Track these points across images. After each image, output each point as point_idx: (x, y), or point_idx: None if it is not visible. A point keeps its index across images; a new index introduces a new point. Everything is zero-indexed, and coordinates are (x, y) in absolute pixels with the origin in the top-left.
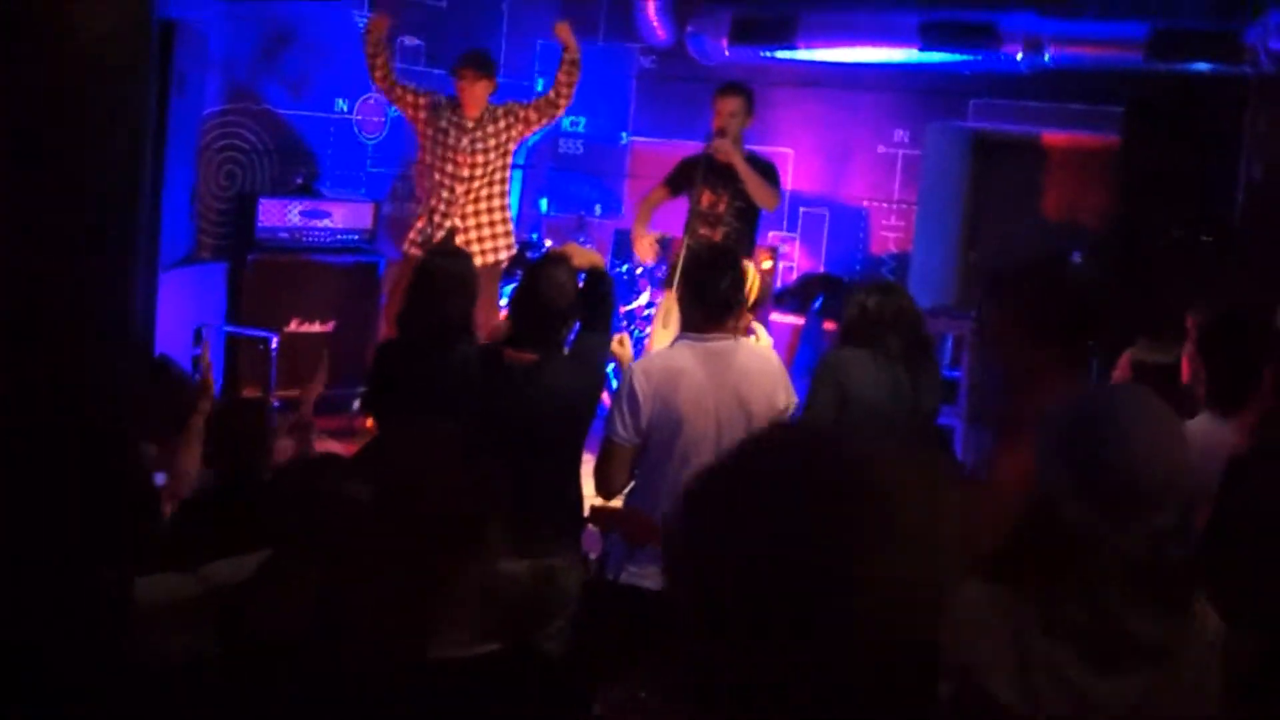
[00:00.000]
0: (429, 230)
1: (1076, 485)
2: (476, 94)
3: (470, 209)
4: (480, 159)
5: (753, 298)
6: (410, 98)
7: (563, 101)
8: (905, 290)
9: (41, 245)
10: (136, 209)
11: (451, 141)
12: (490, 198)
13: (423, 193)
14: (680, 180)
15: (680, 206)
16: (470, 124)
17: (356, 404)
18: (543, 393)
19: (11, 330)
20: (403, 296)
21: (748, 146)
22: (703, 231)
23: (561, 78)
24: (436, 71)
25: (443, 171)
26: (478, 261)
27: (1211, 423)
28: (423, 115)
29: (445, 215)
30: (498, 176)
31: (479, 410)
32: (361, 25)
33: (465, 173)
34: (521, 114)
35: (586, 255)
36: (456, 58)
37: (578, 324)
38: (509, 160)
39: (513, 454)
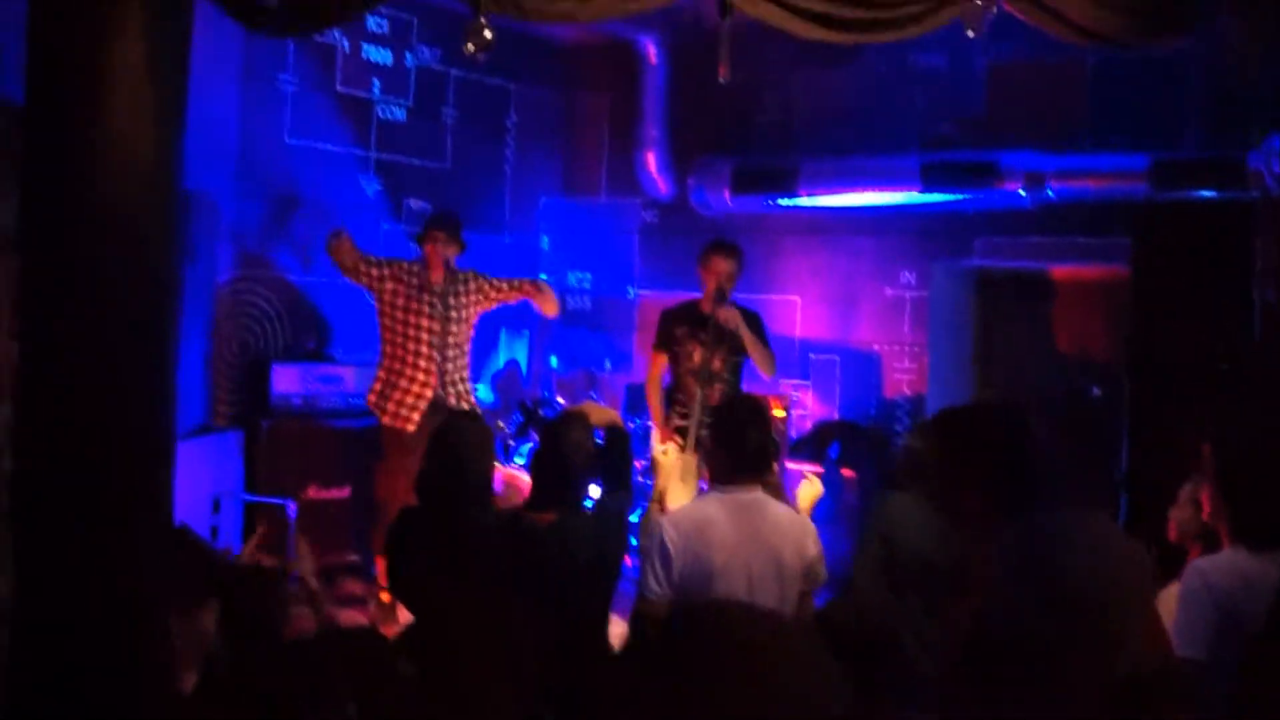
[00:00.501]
0: (406, 396)
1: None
2: (448, 257)
3: (447, 374)
4: (451, 326)
5: None
6: (374, 271)
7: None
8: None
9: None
10: (167, 380)
11: (417, 306)
12: (460, 361)
13: (387, 357)
14: (668, 339)
15: None
16: (438, 288)
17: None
18: (564, 552)
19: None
20: (420, 462)
21: (750, 294)
22: (695, 390)
23: (530, 291)
24: None
25: (413, 337)
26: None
27: (1244, 558)
28: (389, 285)
29: (424, 383)
30: (465, 343)
31: (503, 575)
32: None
33: (437, 340)
34: (491, 292)
35: (604, 413)
36: (428, 220)
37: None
38: (473, 327)
39: (539, 617)
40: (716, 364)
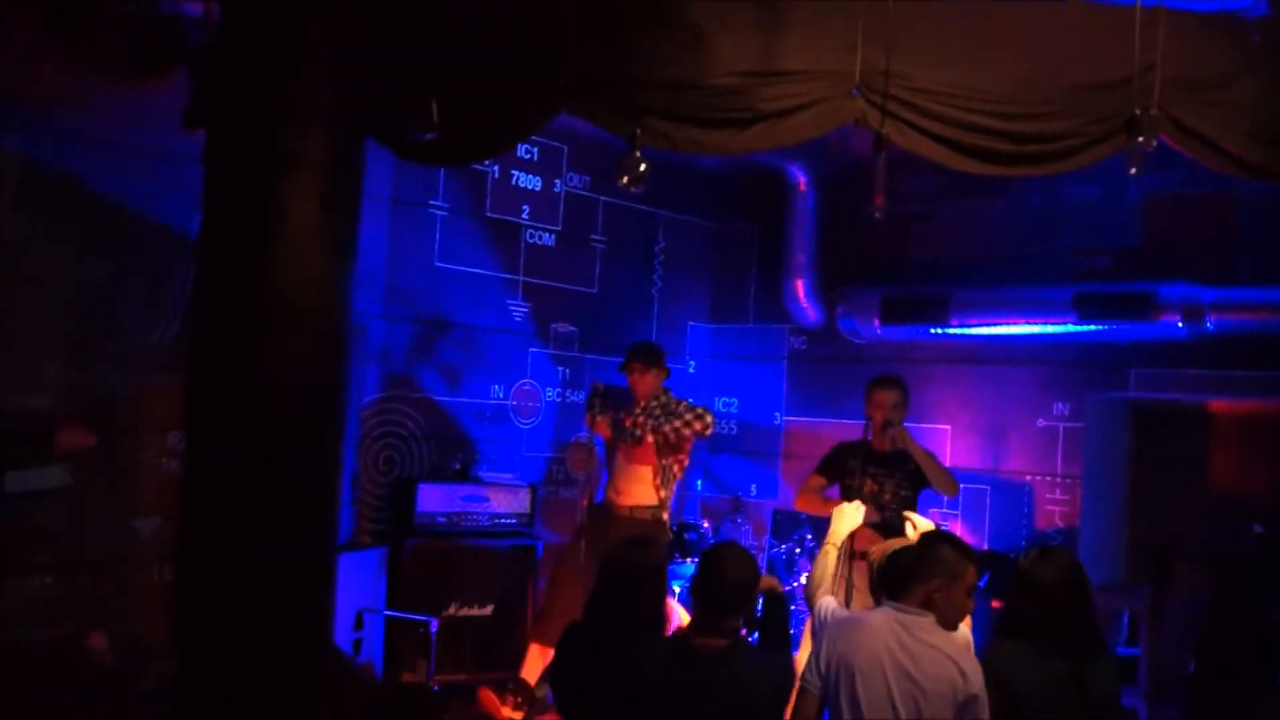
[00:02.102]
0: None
1: None
2: (647, 383)
3: (623, 485)
4: (640, 450)
5: None
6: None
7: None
8: (1070, 552)
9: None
10: (335, 513)
11: (620, 431)
12: (642, 478)
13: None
14: (836, 467)
15: None
16: (638, 409)
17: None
18: (735, 679)
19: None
20: (594, 584)
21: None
22: (869, 519)
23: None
24: (589, 356)
25: (609, 451)
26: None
27: None
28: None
29: (611, 483)
30: (642, 458)
31: (671, 698)
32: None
33: (622, 449)
34: (683, 430)
35: (766, 580)
36: (626, 351)
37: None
38: (672, 450)
39: None
40: (886, 496)
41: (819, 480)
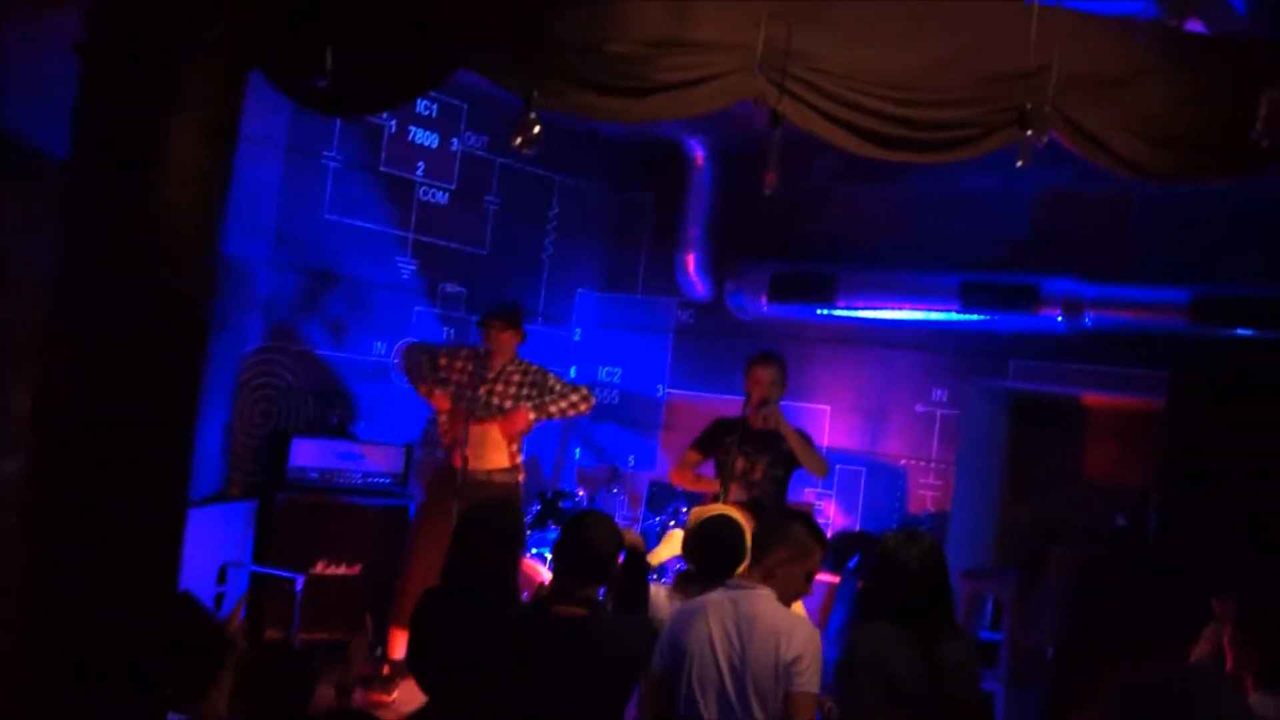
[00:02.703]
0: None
1: None
2: (503, 343)
3: (480, 449)
4: (495, 409)
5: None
6: (440, 376)
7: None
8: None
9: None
10: (191, 439)
11: (469, 394)
12: (503, 453)
13: (443, 436)
14: (712, 443)
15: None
16: (491, 374)
17: (380, 650)
18: (593, 649)
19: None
20: (448, 546)
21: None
22: (738, 497)
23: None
24: (475, 317)
25: (465, 414)
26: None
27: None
28: (455, 378)
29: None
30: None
31: (527, 667)
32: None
33: (478, 416)
34: (541, 400)
35: (627, 533)
36: (485, 307)
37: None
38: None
39: (561, 709)
40: (757, 474)
41: (695, 455)
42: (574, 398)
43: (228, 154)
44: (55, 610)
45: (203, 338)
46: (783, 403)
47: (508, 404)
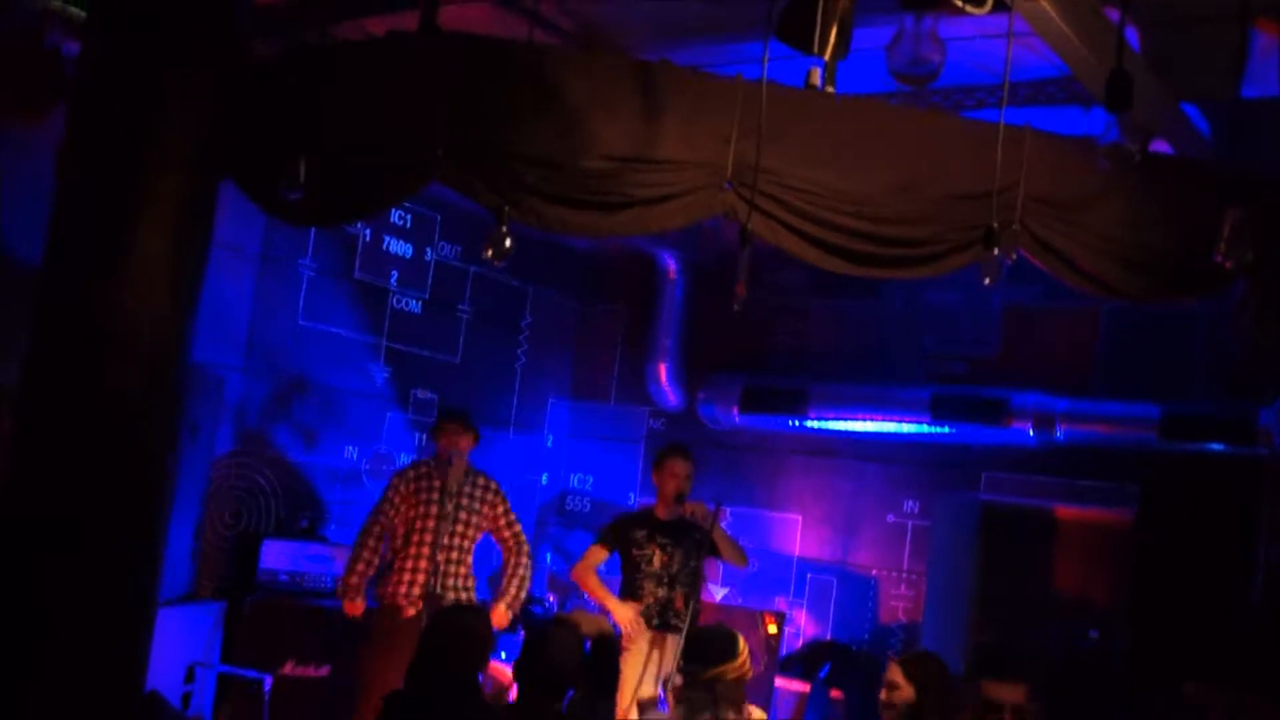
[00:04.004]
0: (411, 587)
1: None
2: (463, 448)
3: (454, 580)
4: (465, 530)
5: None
6: (396, 500)
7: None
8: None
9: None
10: (158, 543)
11: (435, 510)
12: (469, 568)
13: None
14: (620, 537)
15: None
16: (454, 487)
17: None
18: None
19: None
20: (415, 649)
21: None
22: (658, 593)
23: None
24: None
25: (433, 539)
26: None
27: None
28: (397, 501)
29: (432, 575)
30: (471, 548)
31: None
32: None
33: (447, 540)
34: (500, 513)
35: (594, 622)
36: (438, 414)
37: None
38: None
39: None
40: (675, 567)
41: (600, 550)
42: (522, 573)
43: (198, 260)
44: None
45: (170, 442)
46: (754, 509)
47: (474, 521)
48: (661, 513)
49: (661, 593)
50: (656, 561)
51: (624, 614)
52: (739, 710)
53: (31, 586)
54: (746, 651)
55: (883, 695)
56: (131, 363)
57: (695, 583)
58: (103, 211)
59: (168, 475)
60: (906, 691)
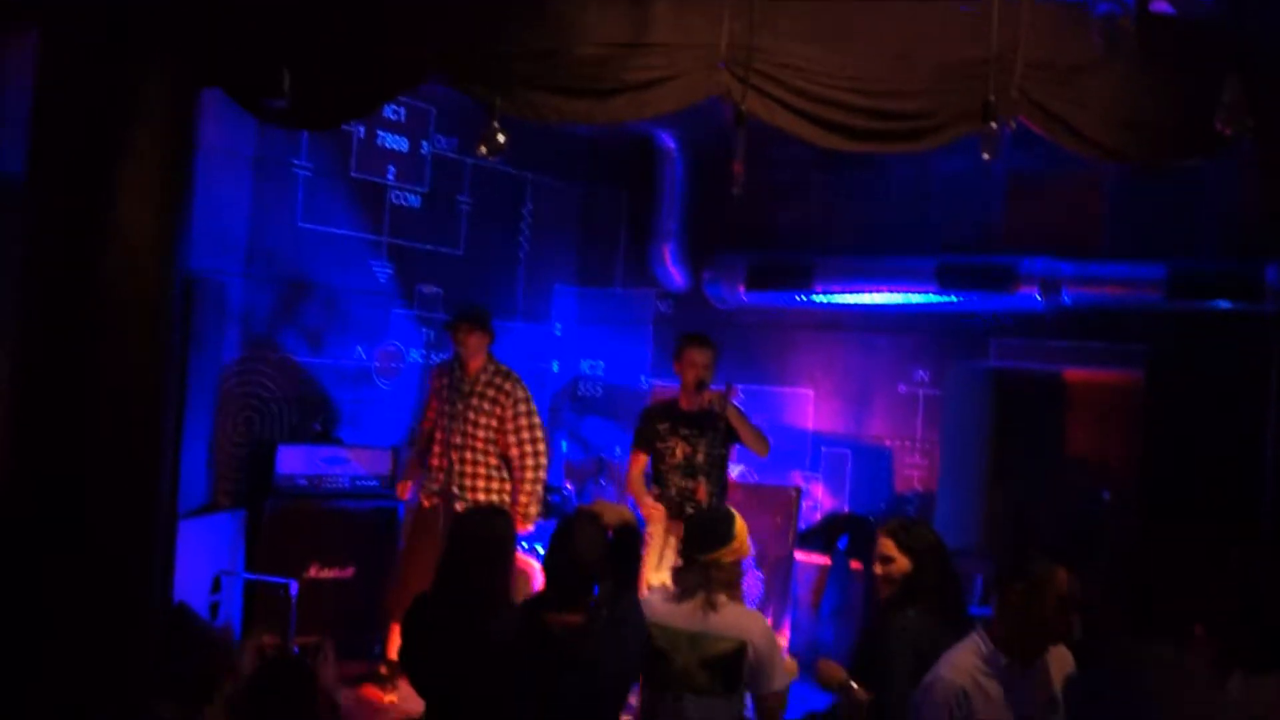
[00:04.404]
0: (430, 484)
1: None
2: (471, 346)
3: (469, 480)
4: (472, 429)
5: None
6: (430, 397)
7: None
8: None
9: (64, 497)
10: (160, 464)
11: (448, 408)
12: (488, 468)
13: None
14: (649, 437)
15: None
16: (466, 386)
17: (378, 649)
18: (590, 658)
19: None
20: (439, 553)
21: (764, 385)
22: (682, 484)
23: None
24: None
25: (446, 436)
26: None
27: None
28: (437, 393)
29: (452, 476)
30: (493, 449)
31: (521, 675)
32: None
33: (459, 440)
34: (508, 418)
35: (616, 511)
36: (452, 315)
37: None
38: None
39: (555, 717)
40: (700, 458)
41: (640, 456)
42: (528, 488)
43: (185, 165)
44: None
45: (169, 351)
46: (766, 387)
47: (483, 420)
48: (685, 403)
49: (685, 484)
50: (679, 453)
51: (648, 512)
52: (732, 591)
53: (45, 499)
54: (743, 533)
55: (878, 569)
56: (126, 269)
57: (718, 472)
58: (84, 119)
59: (168, 383)
60: (902, 563)
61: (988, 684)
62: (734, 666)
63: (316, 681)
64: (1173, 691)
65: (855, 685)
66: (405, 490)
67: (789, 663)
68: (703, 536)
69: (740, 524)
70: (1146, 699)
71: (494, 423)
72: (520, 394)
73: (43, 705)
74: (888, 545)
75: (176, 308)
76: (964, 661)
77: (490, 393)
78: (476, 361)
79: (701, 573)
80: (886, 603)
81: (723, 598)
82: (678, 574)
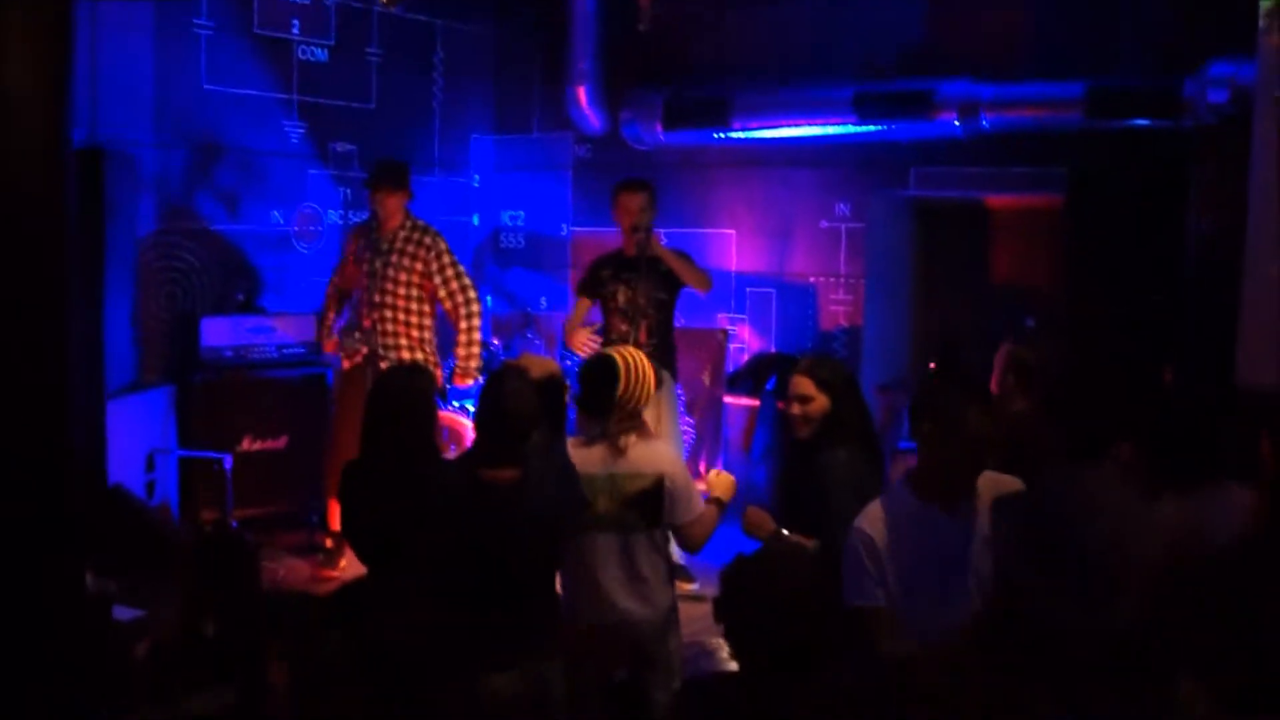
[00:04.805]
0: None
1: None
2: (390, 208)
3: (391, 339)
4: (392, 286)
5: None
6: (347, 256)
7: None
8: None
9: None
10: (65, 338)
11: (367, 267)
12: (410, 326)
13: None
14: (593, 284)
15: None
16: (385, 244)
17: (315, 518)
18: (528, 511)
19: None
20: (362, 416)
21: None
22: (623, 328)
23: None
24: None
25: (368, 296)
26: None
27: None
28: (351, 250)
29: (374, 335)
30: (414, 306)
31: (463, 532)
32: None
33: (379, 299)
34: (434, 271)
35: (543, 364)
36: (369, 173)
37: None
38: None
39: (499, 570)
40: (642, 301)
41: (583, 301)
42: (473, 308)
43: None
44: None
45: (67, 220)
46: (687, 229)
47: (403, 278)
48: (627, 249)
49: (625, 327)
50: (621, 298)
51: (574, 339)
52: (639, 430)
53: None
54: (636, 372)
55: (795, 409)
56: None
57: (661, 315)
58: None
59: (65, 264)
60: (821, 401)
61: (905, 529)
62: (654, 500)
63: (257, 555)
64: (1102, 511)
65: (786, 534)
66: (331, 346)
67: (725, 479)
68: (592, 394)
69: (621, 368)
70: (1074, 521)
71: (415, 279)
72: (441, 245)
73: None
74: (805, 384)
75: (78, 177)
76: (875, 510)
77: (410, 249)
78: (394, 220)
79: (598, 420)
80: (808, 443)
81: (631, 438)
82: (579, 421)
